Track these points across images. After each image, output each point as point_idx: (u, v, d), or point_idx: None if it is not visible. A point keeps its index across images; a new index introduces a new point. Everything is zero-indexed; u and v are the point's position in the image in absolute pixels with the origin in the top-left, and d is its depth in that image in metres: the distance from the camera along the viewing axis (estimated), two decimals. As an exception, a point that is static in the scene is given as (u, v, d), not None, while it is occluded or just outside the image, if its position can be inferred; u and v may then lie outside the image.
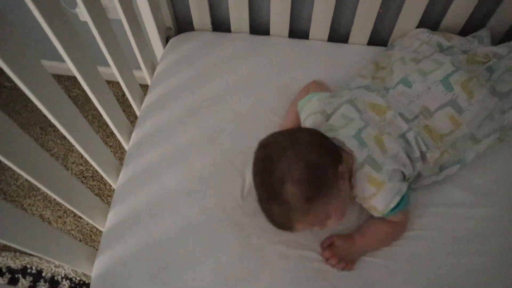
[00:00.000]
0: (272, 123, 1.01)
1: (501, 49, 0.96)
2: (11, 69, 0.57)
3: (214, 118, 1.02)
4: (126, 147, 1.05)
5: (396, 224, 0.84)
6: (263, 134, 0.97)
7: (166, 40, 1.20)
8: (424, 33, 1.04)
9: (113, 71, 0.96)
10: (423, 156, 0.85)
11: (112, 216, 0.91)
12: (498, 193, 0.90)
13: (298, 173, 0.70)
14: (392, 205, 0.79)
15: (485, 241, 0.84)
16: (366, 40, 1.14)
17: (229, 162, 0.95)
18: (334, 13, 1.10)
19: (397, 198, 0.79)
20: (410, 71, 0.92)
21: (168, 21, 1.18)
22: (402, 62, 0.96)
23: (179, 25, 1.23)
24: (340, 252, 0.82)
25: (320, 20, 1.10)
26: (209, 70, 1.11)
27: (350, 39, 1.15)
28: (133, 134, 1.02)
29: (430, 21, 1.10)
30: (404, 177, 0.82)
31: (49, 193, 0.70)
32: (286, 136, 0.77)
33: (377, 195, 0.79)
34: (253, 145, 0.96)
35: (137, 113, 1.12)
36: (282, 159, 0.71)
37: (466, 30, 1.09)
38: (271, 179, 0.72)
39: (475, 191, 0.91)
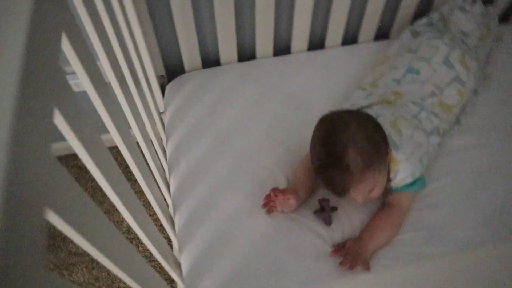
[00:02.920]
0: (287, 128, 1.12)
1: (467, 26, 1.17)
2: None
3: (239, 139, 1.10)
4: (166, 195, 1.07)
5: (396, 210, 0.92)
6: (285, 139, 1.09)
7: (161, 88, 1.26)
8: (407, 32, 1.23)
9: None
10: (436, 129, 1.00)
11: (186, 259, 0.92)
12: (493, 128, 1.10)
13: (360, 142, 0.80)
14: (404, 183, 0.91)
15: (500, 169, 1.02)
16: (340, 42, 1.31)
17: (270, 172, 1.03)
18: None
19: (409, 179, 0.91)
20: (411, 60, 1.08)
21: (161, 70, 1.24)
22: (400, 56, 1.12)
23: (169, 71, 1.29)
24: (352, 253, 0.86)
25: (299, 33, 1.24)
26: (215, 102, 1.19)
27: (326, 44, 1.31)
28: (171, 180, 1.05)
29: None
30: (421, 159, 0.94)
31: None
32: (347, 113, 0.87)
33: (393, 171, 0.90)
34: (281, 151, 1.07)
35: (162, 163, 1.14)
36: (346, 130, 0.81)
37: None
38: (335, 146, 0.80)
39: (473, 133, 1.10)
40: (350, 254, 0.86)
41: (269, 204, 0.94)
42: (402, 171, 0.90)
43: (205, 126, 1.13)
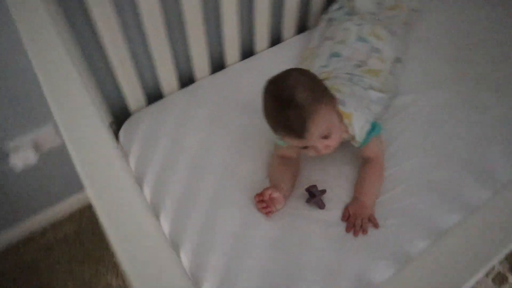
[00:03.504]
0: (252, 133, 1.16)
1: (369, 7, 1.32)
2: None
3: (213, 159, 1.11)
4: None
5: (375, 160, 1.03)
6: (254, 144, 1.14)
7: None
8: (323, 21, 1.35)
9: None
10: (371, 86, 1.12)
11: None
12: (427, 81, 1.25)
13: (305, 81, 0.88)
14: (365, 130, 1.00)
15: (443, 114, 1.17)
16: (267, 44, 1.39)
17: (252, 179, 1.07)
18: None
19: (367, 126, 1.00)
20: (331, 46, 1.20)
21: (108, 117, 1.20)
22: (321, 45, 1.25)
23: (114, 116, 1.25)
24: (358, 216, 0.96)
25: (231, 45, 1.29)
26: (175, 133, 1.17)
27: (256, 49, 1.38)
28: (162, 221, 1.02)
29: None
30: (368, 106, 1.05)
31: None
32: (287, 69, 0.92)
33: (351, 125, 0.98)
34: (255, 155, 1.12)
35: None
36: (290, 77, 0.88)
37: None
38: (283, 91, 0.86)
39: (411, 91, 1.23)
40: (358, 219, 0.94)
41: (266, 209, 0.97)
42: (357, 122, 0.98)
43: (175, 159, 1.12)
